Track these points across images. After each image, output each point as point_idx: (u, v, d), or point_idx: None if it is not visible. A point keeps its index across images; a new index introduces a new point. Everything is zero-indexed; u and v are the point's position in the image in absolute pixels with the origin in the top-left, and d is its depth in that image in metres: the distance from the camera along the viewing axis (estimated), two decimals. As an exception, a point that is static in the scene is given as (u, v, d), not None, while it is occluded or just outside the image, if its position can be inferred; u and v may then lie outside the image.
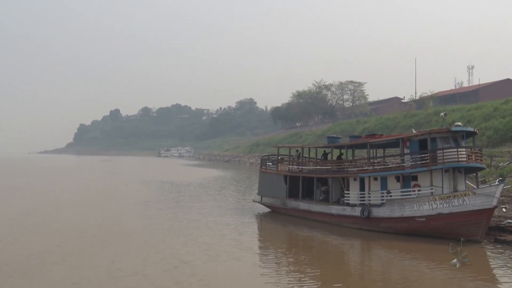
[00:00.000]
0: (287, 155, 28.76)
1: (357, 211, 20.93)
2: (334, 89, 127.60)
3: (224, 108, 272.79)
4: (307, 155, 28.40)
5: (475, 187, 19.62)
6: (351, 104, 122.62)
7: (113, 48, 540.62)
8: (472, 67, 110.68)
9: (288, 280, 13.28)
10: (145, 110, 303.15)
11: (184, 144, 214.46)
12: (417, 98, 78.79)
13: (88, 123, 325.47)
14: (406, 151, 20.31)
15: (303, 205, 24.66)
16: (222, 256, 15.88)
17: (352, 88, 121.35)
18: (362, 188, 21.51)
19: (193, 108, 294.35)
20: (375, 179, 20.97)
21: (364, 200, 20.99)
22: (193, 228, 21.49)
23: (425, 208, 18.32)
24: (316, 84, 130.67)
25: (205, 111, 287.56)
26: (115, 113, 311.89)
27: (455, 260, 14.57)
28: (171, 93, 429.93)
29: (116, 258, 15.56)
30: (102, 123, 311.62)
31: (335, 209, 22.33)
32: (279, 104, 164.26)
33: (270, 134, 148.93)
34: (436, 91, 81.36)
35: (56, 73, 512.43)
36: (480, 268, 14.11)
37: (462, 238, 15.76)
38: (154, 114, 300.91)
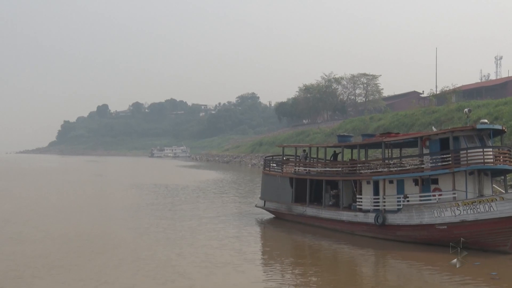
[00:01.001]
0: (293, 156, 28.75)
1: (370, 218, 20.93)
2: (345, 83, 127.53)
3: (224, 104, 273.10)
4: (315, 156, 28.42)
5: (503, 191, 19.58)
6: (364, 99, 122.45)
7: (100, 37, 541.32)
8: (501, 58, 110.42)
9: (295, 295, 13.28)
10: (136, 106, 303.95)
11: (179, 143, 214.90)
12: (438, 92, 78.71)
13: (73, 119, 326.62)
14: (426, 151, 20.29)
15: (310, 210, 24.67)
16: (222, 268, 15.89)
17: (365, 81, 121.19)
18: (376, 192, 21.51)
19: (189, 103, 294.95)
20: (391, 182, 20.95)
21: (378, 206, 20.98)
22: (190, 236, 21.52)
23: (447, 215, 18.29)
24: (325, 77, 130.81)
25: (203, 107, 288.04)
26: (103, 109, 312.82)
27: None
28: (164, 87, 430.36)
29: (105, 271, 15.57)
30: (88, 120, 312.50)
31: (346, 216, 22.34)
32: (284, 99, 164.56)
33: (274, 132, 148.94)
34: (459, 84, 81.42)
35: (37, 65, 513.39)
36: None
37: (488, 248, 15.74)
38: (146, 110, 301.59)
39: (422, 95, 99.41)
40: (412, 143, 22.76)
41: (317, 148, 28.45)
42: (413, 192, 20.00)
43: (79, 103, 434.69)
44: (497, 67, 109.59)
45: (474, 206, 17.74)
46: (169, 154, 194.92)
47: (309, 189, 25.30)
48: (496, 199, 17.47)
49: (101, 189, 46.98)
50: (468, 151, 18.70)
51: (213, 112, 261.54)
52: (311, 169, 26.18)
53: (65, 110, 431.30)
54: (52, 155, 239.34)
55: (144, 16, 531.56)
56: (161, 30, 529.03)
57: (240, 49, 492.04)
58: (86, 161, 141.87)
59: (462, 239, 15.85)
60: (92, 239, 20.83)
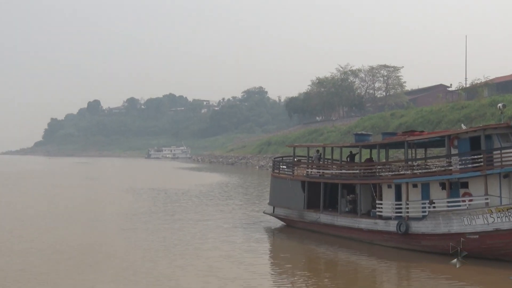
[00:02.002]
0: (305, 157, 28.75)
1: (392, 226, 20.90)
2: (363, 75, 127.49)
3: (228, 99, 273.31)
4: (330, 157, 28.40)
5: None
6: (384, 93, 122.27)
7: (91, 27, 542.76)
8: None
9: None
10: (131, 102, 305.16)
11: (179, 143, 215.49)
12: (467, 85, 78.30)
13: (61, 117, 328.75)
14: (454, 151, 20.21)
15: (325, 217, 24.67)
16: (229, 283, 15.92)
17: (386, 73, 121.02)
18: (398, 198, 21.47)
19: (189, 99, 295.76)
20: (415, 186, 20.90)
21: (401, 212, 20.95)
22: (193, 247, 21.58)
23: (479, 223, 18.22)
24: (341, 69, 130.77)
25: (205, 103, 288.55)
26: (94, 105, 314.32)
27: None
28: (162, 80, 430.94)
29: (98, 287, 15.64)
30: (78, 118, 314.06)
31: (364, 223, 22.33)
32: (295, 94, 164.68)
33: (284, 130, 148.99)
34: (492, 76, 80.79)
35: (20, 57, 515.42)
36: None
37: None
38: (142, 107, 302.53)
39: (449, 89, 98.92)
40: (438, 142, 22.67)
41: (332, 148, 28.39)
42: (439, 197, 19.93)
43: (68, 99, 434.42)
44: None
45: (509, 213, 17.65)
46: (167, 155, 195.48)
47: (323, 194, 25.28)
48: (534, 205, 17.39)
49: (93, 194, 47.20)
50: (502, 151, 18.61)
51: (216, 108, 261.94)
52: (325, 171, 26.16)
53: (52, 106, 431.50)
54: (38, 156, 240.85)
55: (140, 4, 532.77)
56: (159, 19, 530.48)
57: (246, 38, 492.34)
58: (76, 163, 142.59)
59: (495, 249, 15.76)
60: (83, 250, 20.92)
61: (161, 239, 23.49)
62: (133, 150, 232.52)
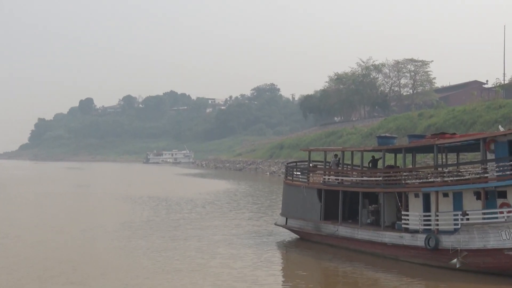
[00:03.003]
0: (322, 162, 28.74)
1: (419, 240, 20.84)
2: (387, 71, 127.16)
3: (236, 97, 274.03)
4: (350, 162, 28.38)
5: None
6: (411, 91, 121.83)
7: (83, 12, 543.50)
8: None
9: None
10: (128, 100, 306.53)
11: (181, 146, 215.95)
12: (506, 82, 77.90)
13: (50, 117, 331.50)
14: (490, 156, 20.12)
15: (344, 230, 24.66)
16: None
17: (413, 68, 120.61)
18: (426, 208, 21.42)
19: (193, 97, 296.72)
20: (445, 195, 20.84)
21: (429, 225, 20.89)
22: (198, 264, 21.64)
23: (518, 237, 18.12)
24: (362, 63, 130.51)
25: (210, 102, 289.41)
26: (86, 104, 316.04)
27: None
28: (163, 76, 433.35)
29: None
30: (69, 118, 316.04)
31: (388, 237, 22.30)
32: (310, 92, 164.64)
33: (299, 132, 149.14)
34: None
35: (2, 50, 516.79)
36: None
37: None
38: (140, 105, 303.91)
39: (485, 86, 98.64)
40: (472, 146, 22.60)
41: (352, 152, 28.36)
42: (474, 208, 19.85)
43: (58, 97, 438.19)
44: None
45: (552, 226, 17.54)
46: (168, 160, 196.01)
47: (342, 204, 25.29)
48: None
49: (86, 203, 47.42)
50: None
51: (222, 107, 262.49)
52: (344, 178, 26.13)
53: (40, 105, 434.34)
54: (23, 161, 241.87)
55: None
56: (159, 6, 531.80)
57: (257, 29, 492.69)
58: (66, 168, 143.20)
59: None
60: (75, 266, 20.99)
61: (162, 254, 23.53)
62: (130, 154, 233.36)
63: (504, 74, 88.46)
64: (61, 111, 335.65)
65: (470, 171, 21.87)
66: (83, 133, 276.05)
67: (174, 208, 42.07)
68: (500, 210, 19.13)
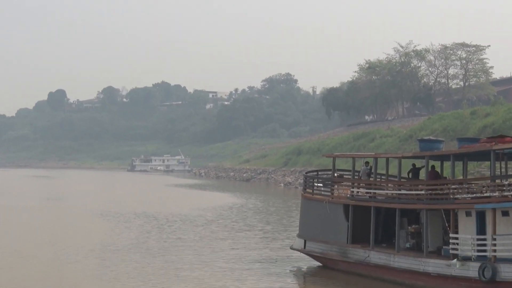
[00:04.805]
0: (350, 171, 28.61)
1: (472, 270, 20.69)
2: (432, 58, 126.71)
3: (243, 91, 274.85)
4: (384, 171, 28.22)
5: None
6: (461, 83, 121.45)
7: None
8: None
9: None
10: (109, 93, 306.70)
11: (174, 150, 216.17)
12: None
13: (12, 113, 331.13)
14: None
15: (376, 256, 24.54)
16: None
17: (465, 55, 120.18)
18: (481, 230, 21.26)
19: (190, 89, 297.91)
20: (505, 213, 20.68)
21: (485, 251, 20.72)
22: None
23: None
24: (401, 49, 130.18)
25: (211, 95, 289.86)
26: (57, 97, 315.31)
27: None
28: (152, 63, 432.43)
29: None
30: (35, 114, 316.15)
31: (433, 265, 22.15)
32: (335, 84, 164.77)
33: (321, 134, 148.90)
34: None
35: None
36: None
37: None
38: (124, 100, 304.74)
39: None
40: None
41: (387, 159, 28.22)
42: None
43: (21, 89, 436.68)
44: None
45: None
46: (159, 167, 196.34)
47: (375, 223, 25.17)
48: None
49: (57, 221, 47.50)
50: None
51: (226, 103, 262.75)
52: (377, 191, 26.01)
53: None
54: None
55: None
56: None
57: (267, 5, 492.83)
58: (31, 176, 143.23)
59: None
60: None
61: (151, 284, 23.44)
62: (111, 160, 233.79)
63: None
64: (25, 106, 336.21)
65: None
66: (53, 133, 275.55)
67: (166, 228, 42.12)
68: None
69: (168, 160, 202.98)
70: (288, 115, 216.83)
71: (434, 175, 25.23)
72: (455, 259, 21.07)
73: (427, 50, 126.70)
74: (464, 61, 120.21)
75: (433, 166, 25.88)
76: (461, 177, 25.01)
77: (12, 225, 43.61)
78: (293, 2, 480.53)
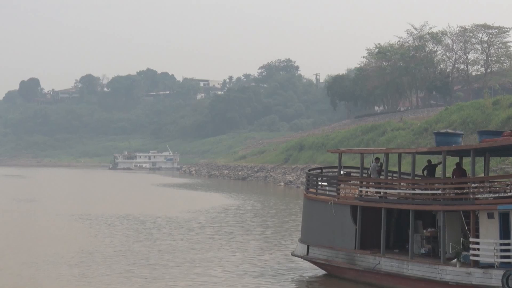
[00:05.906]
0: (357, 168, 28.72)
1: (495, 278, 20.81)
2: (450, 42, 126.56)
3: (238, 79, 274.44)
4: (396, 168, 28.30)
5: None
6: (482, 69, 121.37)
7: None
8: None
9: None
10: (88, 81, 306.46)
11: (161, 146, 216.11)
12: None
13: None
14: None
15: (388, 263, 24.64)
16: None
17: (486, 38, 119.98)
18: (505, 234, 21.36)
19: (178, 77, 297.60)
20: (532, 216, 20.74)
21: (509, 257, 20.83)
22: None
23: None
24: (415, 31, 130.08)
25: (203, 84, 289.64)
26: (30, 87, 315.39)
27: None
28: (137, 49, 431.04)
29: None
30: (5, 106, 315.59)
31: (451, 273, 22.24)
32: (341, 71, 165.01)
33: (325, 127, 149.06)
34: None
35: None
36: None
37: None
38: (105, 89, 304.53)
39: None
40: None
41: (400, 154, 28.27)
42: None
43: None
44: None
45: None
46: (144, 165, 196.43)
47: (386, 226, 25.28)
48: None
49: (30, 225, 47.60)
50: None
51: (219, 92, 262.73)
52: (389, 191, 26.12)
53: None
54: None
55: None
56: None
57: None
58: (3, 175, 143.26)
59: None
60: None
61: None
62: (91, 156, 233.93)
63: None
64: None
65: None
66: (25, 127, 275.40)
67: (154, 233, 42.23)
68: None
69: (154, 157, 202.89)
70: (288, 106, 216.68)
71: (461, 173, 25.42)
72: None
73: (444, 33, 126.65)
74: (486, 45, 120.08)
75: (458, 163, 25.99)
76: (482, 175, 25.08)
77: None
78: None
